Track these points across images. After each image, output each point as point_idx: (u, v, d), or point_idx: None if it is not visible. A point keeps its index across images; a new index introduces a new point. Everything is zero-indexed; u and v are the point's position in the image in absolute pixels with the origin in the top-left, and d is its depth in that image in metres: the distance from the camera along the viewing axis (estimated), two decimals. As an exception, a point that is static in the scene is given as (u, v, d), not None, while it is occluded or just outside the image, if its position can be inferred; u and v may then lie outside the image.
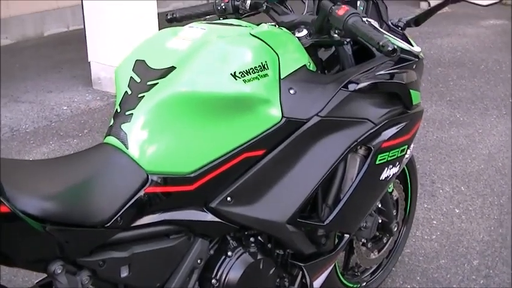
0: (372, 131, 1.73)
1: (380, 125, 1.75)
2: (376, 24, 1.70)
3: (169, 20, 2.03)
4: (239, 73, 1.46)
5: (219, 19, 1.93)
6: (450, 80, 5.14)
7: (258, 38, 1.58)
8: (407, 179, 2.41)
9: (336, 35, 1.67)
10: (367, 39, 1.53)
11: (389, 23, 1.95)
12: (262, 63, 1.52)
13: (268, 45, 1.59)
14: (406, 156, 1.95)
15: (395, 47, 1.48)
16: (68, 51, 6.01)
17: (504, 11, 8.20)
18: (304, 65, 1.69)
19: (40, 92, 4.96)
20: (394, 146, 1.81)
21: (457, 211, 3.09)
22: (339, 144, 1.67)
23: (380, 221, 2.15)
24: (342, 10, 1.60)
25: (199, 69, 1.46)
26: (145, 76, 1.48)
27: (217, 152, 1.48)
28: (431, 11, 1.94)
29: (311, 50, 1.81)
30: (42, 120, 4.37)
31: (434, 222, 2.99)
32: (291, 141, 1.58)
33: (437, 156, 3.72)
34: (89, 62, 5.01)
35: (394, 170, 1.87)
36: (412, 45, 1.91)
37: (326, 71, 1.91)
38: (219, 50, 1.50)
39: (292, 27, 1.83)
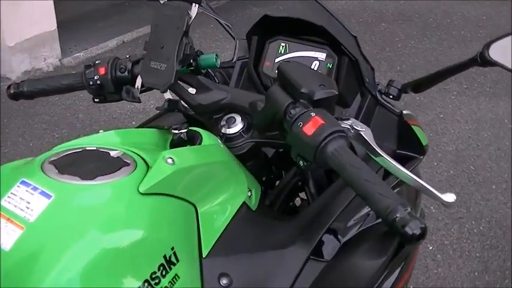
0: None
1: None
2: (372, 140, 0.95)
3: (12, 95, 1.21)
4: None
5: (94, 101, 1.14)
6: (398, 41, 4.46)
7: (155, 195, 0.82)
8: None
9: (300, 162, 0.92)
10: (368, 201, 0.80)
11: (376, 92, 1.24)
12: (162, 263, 0.78)
13: (177, 197, 0.85)
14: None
15: (423, 226, 0.75)
16: None
17: None
18: (244, 203, 0.97)
19: None
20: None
21: (431, 248, 2.48)
22: None
23: None
24: (310, 125, 0.85)
25: None
26: None
27: None
28: (443, 74, 1.21)
29: (252, 149, 1.08)
30: None
31: (406, 269, 2.38)
32: None
33: (397, 159, 3.08)
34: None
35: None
36: (417, 136, 1.21)
37: (279, 169, 1.20)
38: (69, 265, 0.73)
39: (217, 112, 1.09)
